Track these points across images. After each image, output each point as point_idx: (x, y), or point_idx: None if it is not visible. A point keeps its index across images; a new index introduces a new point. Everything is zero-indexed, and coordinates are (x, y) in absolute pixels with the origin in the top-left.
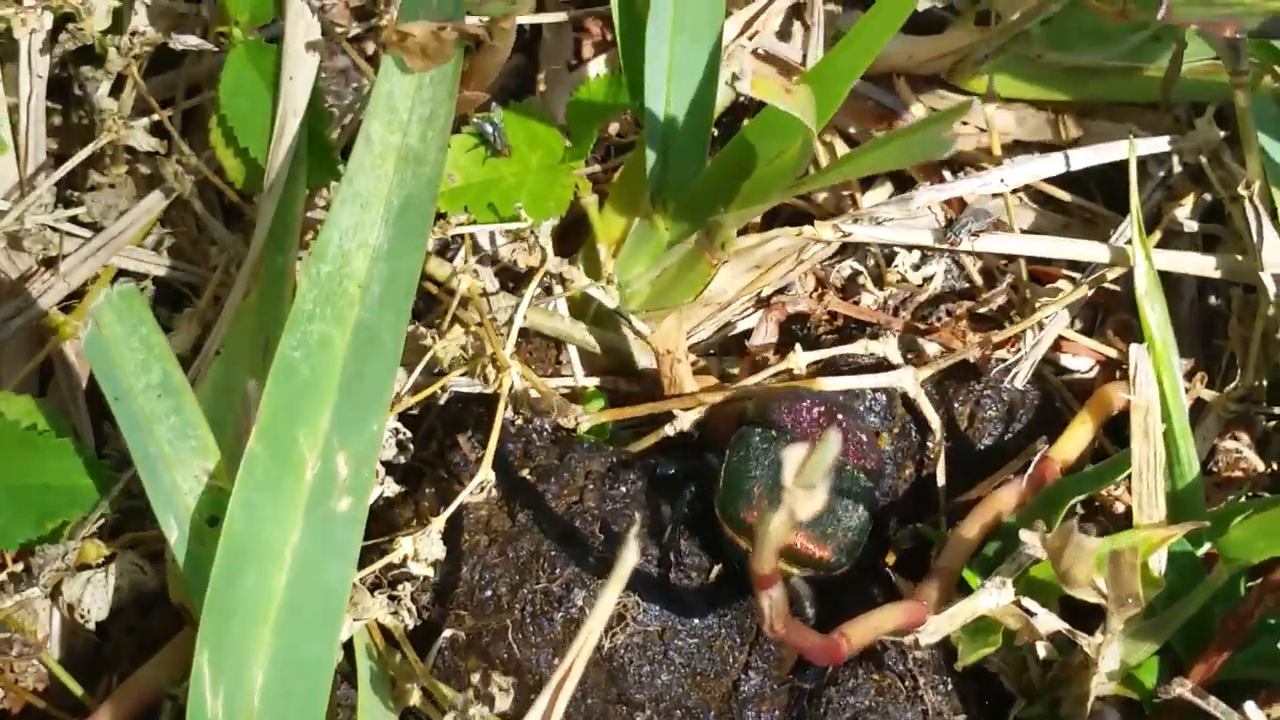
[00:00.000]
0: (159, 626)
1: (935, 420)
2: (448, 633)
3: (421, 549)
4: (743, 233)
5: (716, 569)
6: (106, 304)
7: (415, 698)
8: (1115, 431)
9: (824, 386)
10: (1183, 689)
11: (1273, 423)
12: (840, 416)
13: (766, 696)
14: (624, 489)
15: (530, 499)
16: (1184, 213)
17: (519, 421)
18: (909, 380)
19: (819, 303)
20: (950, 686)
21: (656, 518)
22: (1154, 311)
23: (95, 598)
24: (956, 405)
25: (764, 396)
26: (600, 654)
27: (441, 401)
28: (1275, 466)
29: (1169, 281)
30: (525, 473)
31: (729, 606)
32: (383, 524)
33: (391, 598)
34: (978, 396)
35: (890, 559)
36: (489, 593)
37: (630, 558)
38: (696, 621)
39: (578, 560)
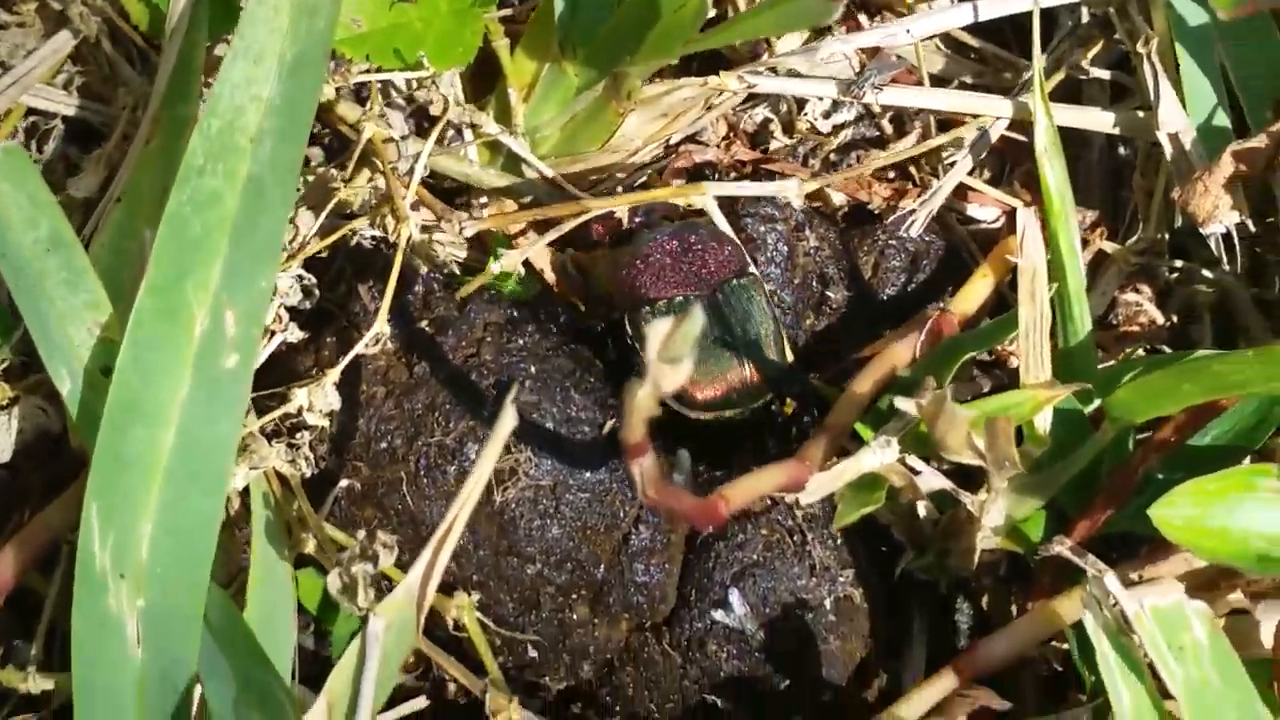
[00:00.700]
0: (66, 466)
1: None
2: (344, 483)
3: (316, 400)
4: (652, 80)
5: (610, 423)
6: None
7: (310, 545)
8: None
9: (708, 193)
10: (1062, 547)
11: (1174, 275)
12: (694, 239)
13: (655, 550)
14: (521, 341)
15: (428, 350)
16: (1092, 62)
17: (423, 270)
18: (793, 190)
19: (726, 151)
20: (839, 541)
21: (551, 371)
22: (1052, 170)
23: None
24: (861, 255)
25: (649, 209)
26: (492, 507)
27: (352, 243)
28: (1175, 320)
29: (1078, 132)
30: (424, 324)
31: (620, 461)
32: (287, 371)
33: (290, 446)
34: (882, 246)
35: (787, 410)
36: (385, 444)
37: (508, 420)
38: (588, 475)
39: (472, 414)
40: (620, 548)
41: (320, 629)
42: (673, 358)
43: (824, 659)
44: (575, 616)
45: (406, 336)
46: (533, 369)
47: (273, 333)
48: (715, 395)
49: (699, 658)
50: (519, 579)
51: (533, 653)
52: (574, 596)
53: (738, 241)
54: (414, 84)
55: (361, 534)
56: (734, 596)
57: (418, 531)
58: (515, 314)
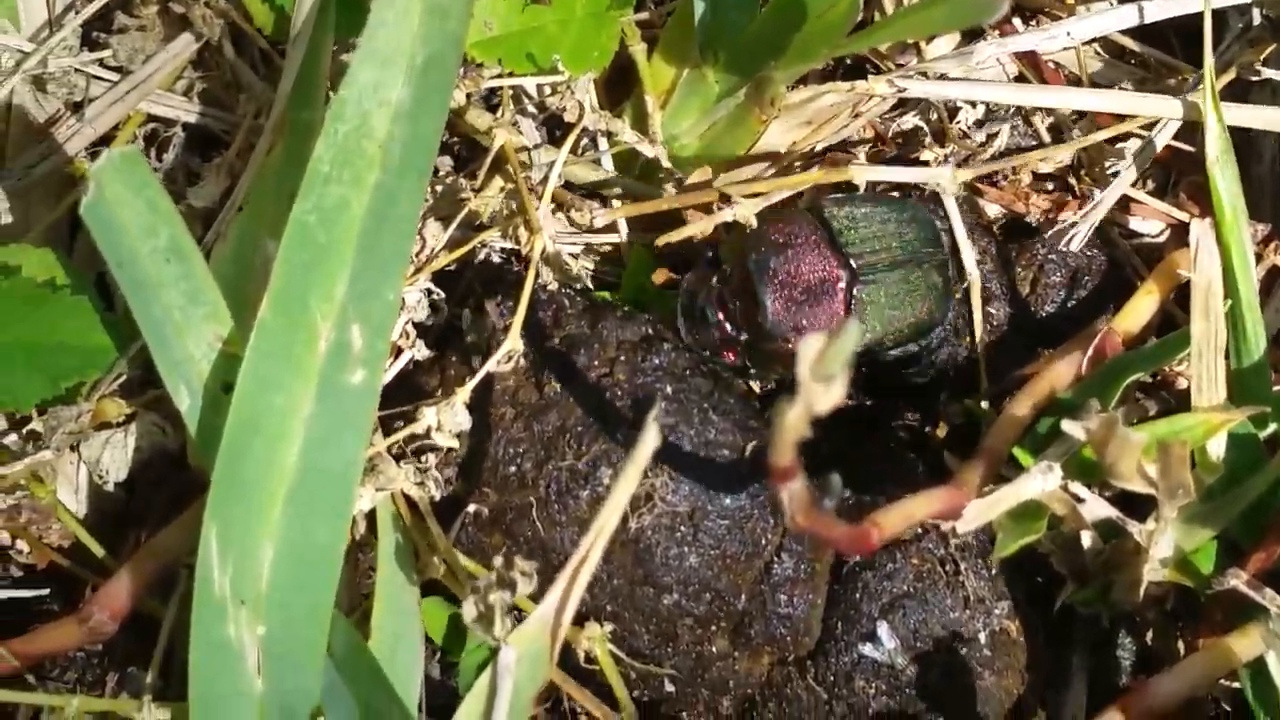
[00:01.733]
0: (186, 485)
1: (967, 247)
2: (471, 508)
3: (445, 420)
4: (796, 86)
5: (750, 446)
6: (108, 165)
7: (438, 571)
8: (1186, 300)
9: (856, 176)
10: (1237, 580)
11: None
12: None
13: (800, 580)
14: (657, 360)
15: (559, 370)
16: (1263, 65)
17: (551, 286)
18: (945, 177)
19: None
20: (994, 571)
21: (689, 391)
22: (1224, 177)
23: (114, 458)
24: (1019, 270)
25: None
26: (627, 535)
27: (481, 257)
28: None
29: (1248, 139)
30: (555, 341)
31: (762, 486)
32: (412, 389)
33: (418, 469)
34: (1041, 261)
35: (940, 433)
36: (514, 468)
37: (650, 439)
38: (728, 502)
39: (606, 436)
40: (762, 577)
41: (445, 659)
42: (826, 376)
43: (979, 695)
44: (714, 649)
45: (536, 356)
46: (669, 389)
47: (400, 350)
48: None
49: (845, 694)
50: (655, 609)
51: (670, 687)
52: (713, 628)
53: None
54: (547, 90)
55: (499, 560)
56: (883, 630)
57: (547, 559)
58: (650, 331)
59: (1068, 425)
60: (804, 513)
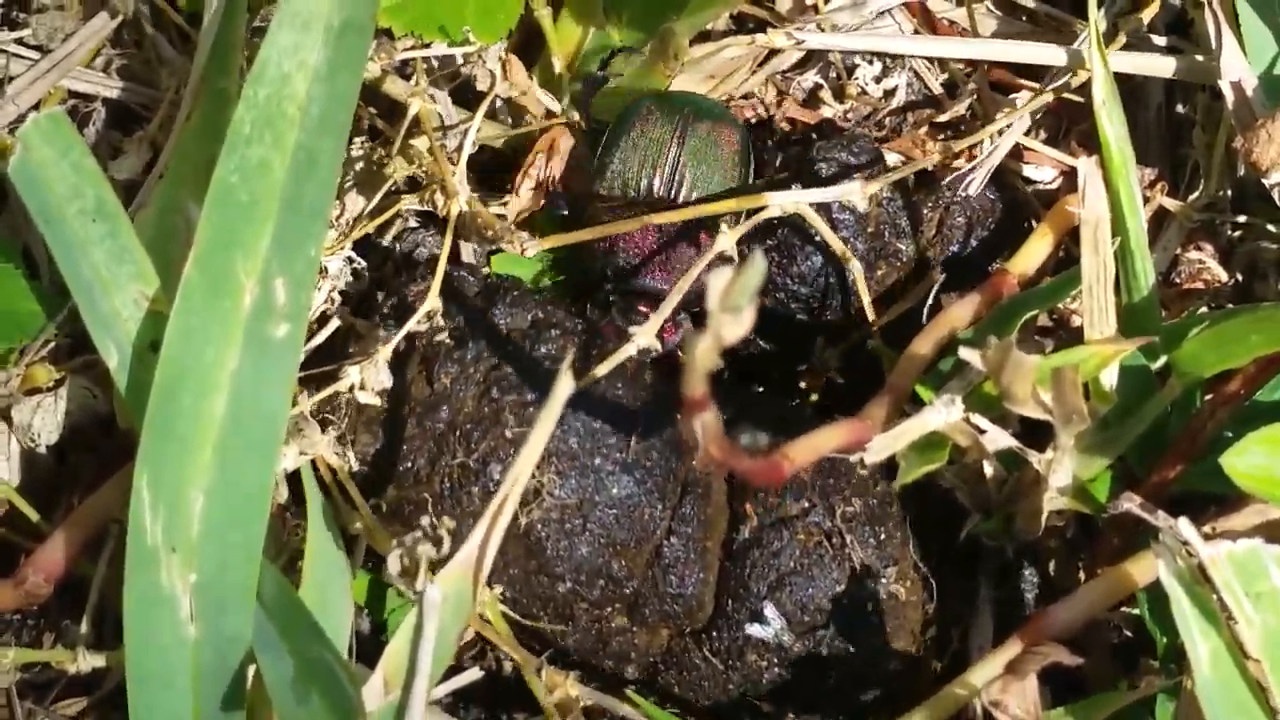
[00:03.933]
0: (115, 449)
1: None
2: (370, 503)
3: (368, 378)
4: (700, 42)
5: (636, 433)
6: (34, 128)
7: (360, 532)
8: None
9: (771, 202)
10: (1131, 503)
11: (1237, 232)
12: None
13: (690, 560)
14: (545, 349)
15: (448, 364)
16: (1148, 22)
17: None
18: (856, 193)
19: (778, 108)
20: (883, 538)
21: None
22: (1111, 122)
23: (45, 422)
24: (925, 212)
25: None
26: (518, 529)
27: (397, 227)
28: (1239, 277)
29: (1135, 88)
30: (444, 336)
31: (650, 473)
32: (335, 354)
33: (340, 439)
34: (946, 203)
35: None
36: (409, 464)
37: (564, 387)
38: (615, 491)
39: (495, 432)
40: (653, 560)
41: (373, 621)
42: (735, 306)
43: (870, 661)
44: (613, 625)
45: (427, 349)
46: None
47: (325, 316)
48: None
49: (739, 666)
50: (551, 595)
51: (575, 656)
52: (609, 609)
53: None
54: (457, 58)
55: (424, 518)
56: (769, 610)
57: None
58: (540, 314)
59: (965, 352)
60: (716, 444)
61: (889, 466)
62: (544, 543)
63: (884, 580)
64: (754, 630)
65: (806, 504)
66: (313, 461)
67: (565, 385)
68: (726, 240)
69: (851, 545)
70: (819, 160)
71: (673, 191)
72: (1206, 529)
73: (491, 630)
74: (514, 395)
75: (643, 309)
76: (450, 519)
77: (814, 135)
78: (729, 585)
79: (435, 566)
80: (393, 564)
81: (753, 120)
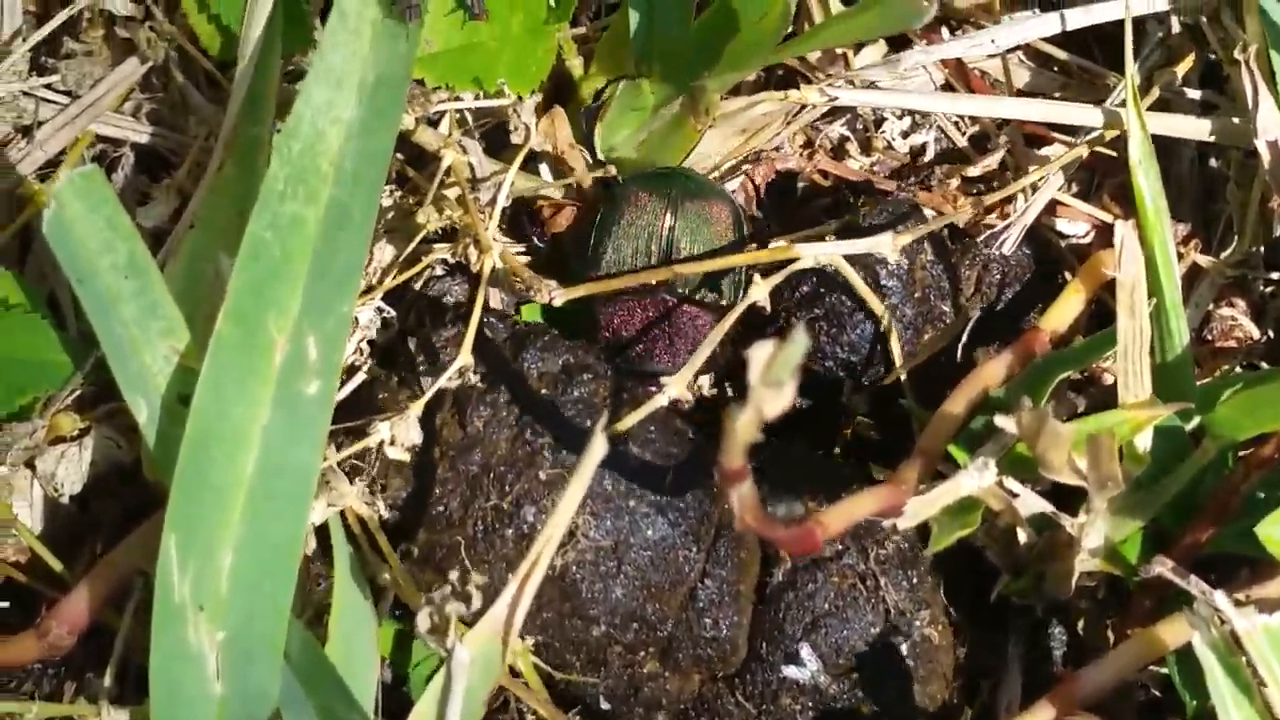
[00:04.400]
0: (139, 499)
1: (873, 301)
2: (401, 547)
3: (399, 434)
4: (730, 96)
5: (670, 476)
6: (68, 185)
7: (388, 584)
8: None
9: (802, 254)
10: (1163, 567)
11: (1270, 289)
12: None
13: (724, 603)
14: (577, 393)
15: (481, 407)
16: (1182, 76)
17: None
18: (887, 247)
19: (809, 161)
20: (915, 581)
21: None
22: (1147, 180)
23: (69, 472)
24: (964, 270)
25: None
26: (553, 571)
27: (427, 277)
28: (1271, 334)
29: (1168, 143)
30: (477, 379)
31: (684, 515)
32: (364, 406)
33: (369, 488)
34: (984, 261)
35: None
36: (441, 508)
37: (598, 448)
38: (649, 533)
39: (529, 475)
40: (687, 603)
41: (396, 672)
42: (776, 382)
43: (904, 705)
44: (645, 670)
45: (459, 393)
46: (588, 422)
47: (354, 367)
48: None
49: (773, 710)
50: (584, 640)
51: (605, 704)
52: (642, 654)
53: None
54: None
55: (454, 574)
56: (804, 651)
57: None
58: (571, 359)
59: (1000, 420)
60: (752, 514)
61: (922, 529)
62: (579, 584)
63: (917, 624)
64: (790, 672)
65: (840, 546)
66: (341, 512)
67: (599, 446)
68: (761, 291)
69: (885, 588)
70: (865, 222)
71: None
72: (1239, 595)
73: (522, 687)
74: (547, 438)
75: (651, 389)
76: (480, 573)
77: (848, 192)
78: (763, 628)
79: (465, 621)
80: (422, 621)
81: (782, 170)
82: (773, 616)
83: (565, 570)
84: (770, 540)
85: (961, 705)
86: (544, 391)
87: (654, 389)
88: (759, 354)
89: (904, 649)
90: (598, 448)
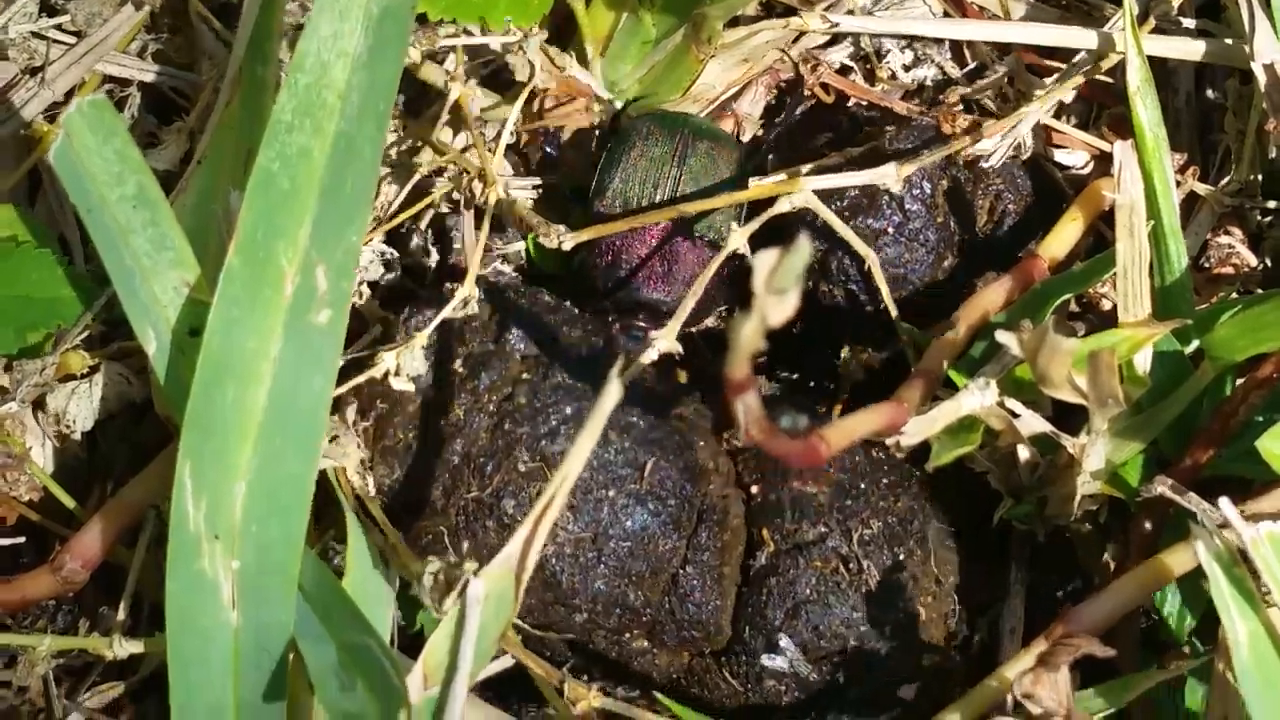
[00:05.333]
0: (150, 436)
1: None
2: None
3: (404, 363)
4: (731, 25)
5: (649, 462)
6: (77, 114)
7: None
8: (1110, 227)
9: (807, 187)
10: (1163, 486)
11: (1267, 218)
12: None
13: (707, 587)
14: (559, 378)
15: (462, 394)
16: (1178, 6)
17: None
18: (891, 176)
19: (812, 73)
20: (901, 558)
21: (588, 410)
22: (1145, 107)
23: (80, 408)
24: (978, 198)
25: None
26: None
27: (430, 216)
28: (1268, 262)
29: (1165, 74)
30: (459, 364)
31: (664, 504)
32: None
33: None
34: (997, 191)
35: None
36: (425, 495)
37: (614, 392)
38: (629, 524)
39: (509, 465)
40: (669, 588)
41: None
42: (780, 289)
43: (889, 683)
44: (633, 646)
45: (441, 379)
46: (568, 410)
47: (355, 309)
48: None
49: (758, 689)
50: (569, 624)
51: (599, 669)
52: (627, 635)
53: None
54: (496, 48)
55: (466, 544)
56: (783, 641)
57: None
58: (554, 341)
59: (1002, 336)
60: (758, 426)
61: (917, 456)
62: (559, 576)
63: (902, 603)
64: (769, 661)
65: (824, 529)
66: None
67: (614, 391)
68: (739, 238)
69: (869, 570)
70: (891, 146)
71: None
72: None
73: (517, 647)
74: (526, 428)
75: (640, 322)
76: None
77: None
78: (746, 612)
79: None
80: (426, 581)
81: (785, 80)
82: (755, 601)
83: (545, 562)
84: (774, 454)
85: (956, 671)
86: (525, 376)
87: (640, 332)
88: (763, 262)
89: (888, 630)
90: (613, 391)
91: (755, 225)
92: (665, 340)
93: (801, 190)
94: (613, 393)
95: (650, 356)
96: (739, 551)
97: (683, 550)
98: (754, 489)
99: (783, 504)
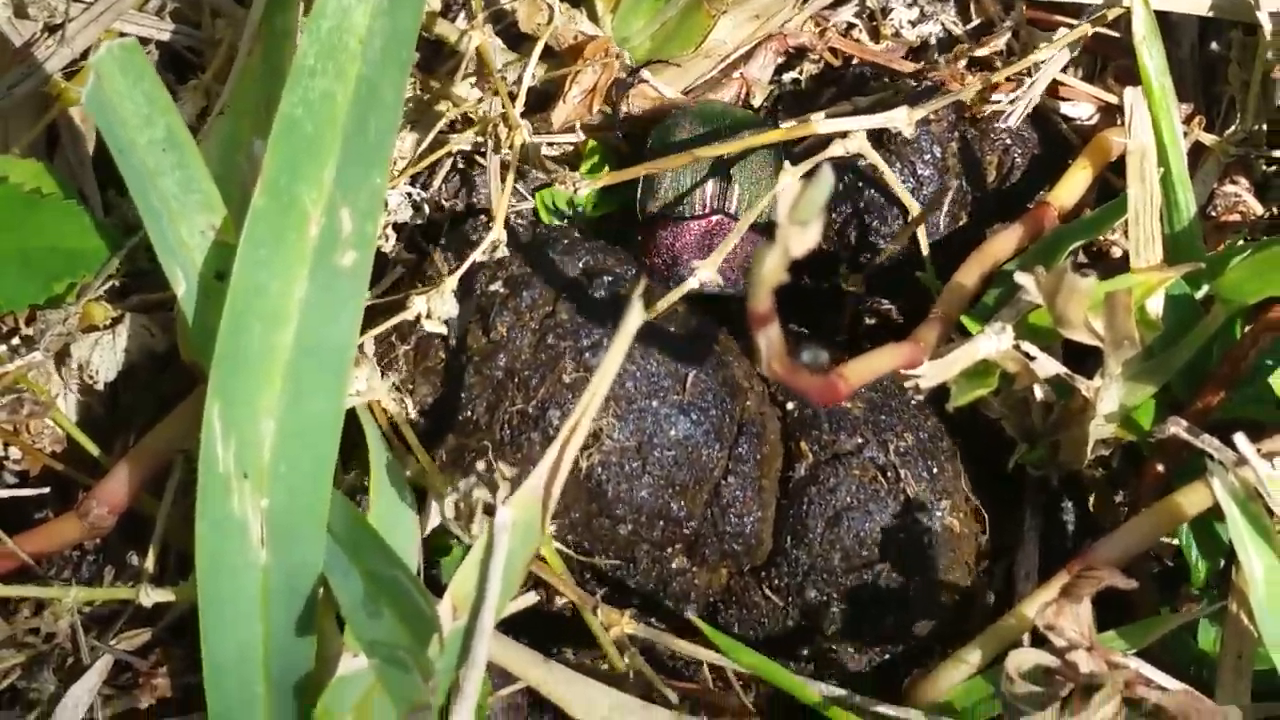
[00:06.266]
0: (172, 387)
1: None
2: (430, 454)
3: (435, 307)
4: None
5: (691, 374)
6: (108, 57)
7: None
8: (1119, 176)
9: (819, 129)
10: (1177, 427)
11: (1272, 167)
12: None
13: (747, 499)
14: (599, 295)
15: (504, 312)
16: None
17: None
18: (903, 122)
19: (820, 38)
20: (935, 472)
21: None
22: (1151, 56)
23: (104, 359)
24: (985, 154)
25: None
26: (579, 473)
27: (452, 162)
28: (1274, 210)
29: (1169, 27)
30: (499, 284)
31: (706, 414)
32: (396, 287)
33: (398, 390)
34: (1004, 146)
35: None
36: (469, 413)
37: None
38: (673, 433)
39: (553, 378)
40: (711, 500)
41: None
42: (802, 220)
43: (926, 593)
44: (674, 566)
45: (482, 299)
46: (610, 324)
47: (383, 255)
48: None
49: (799, 602)
50: (613, 538)
51: (636, 599)
52: (669, 550)
53: None
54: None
55: (481, 463)
56: (826, 543)
57: None
58: (592, 261)
59: (1020, 276)
60: (779, 359)
61: (937, 394)
62: (604, 485)
63: (938, 513)
64: (814, 564)
65: (860, 440)
66: (370, 406)
67: (636, 315)
68: (792, 175)
69: (906, 479)
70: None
71: (722, 203)
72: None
73: (548, 569)
74: (570, 341)
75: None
76: (509, 465)
77: (866, 74)
78: (787, 522)
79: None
80: (448, 508)
81: (794, 45)
82: (796, 510)
83: (591, 471)
84: (795, 388)
85: (984, 592)
86: (565, 294)
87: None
88: (786, 193)
89: (925, 539)
90: (635, 315)
91: (807, 166)
92: (707, 270)
93: (814, 131)
94: (635, 313)
95: (692, 284)
96: (777, 466)
97: (724, 461)
98: (789, 405)
99: (820, 417)
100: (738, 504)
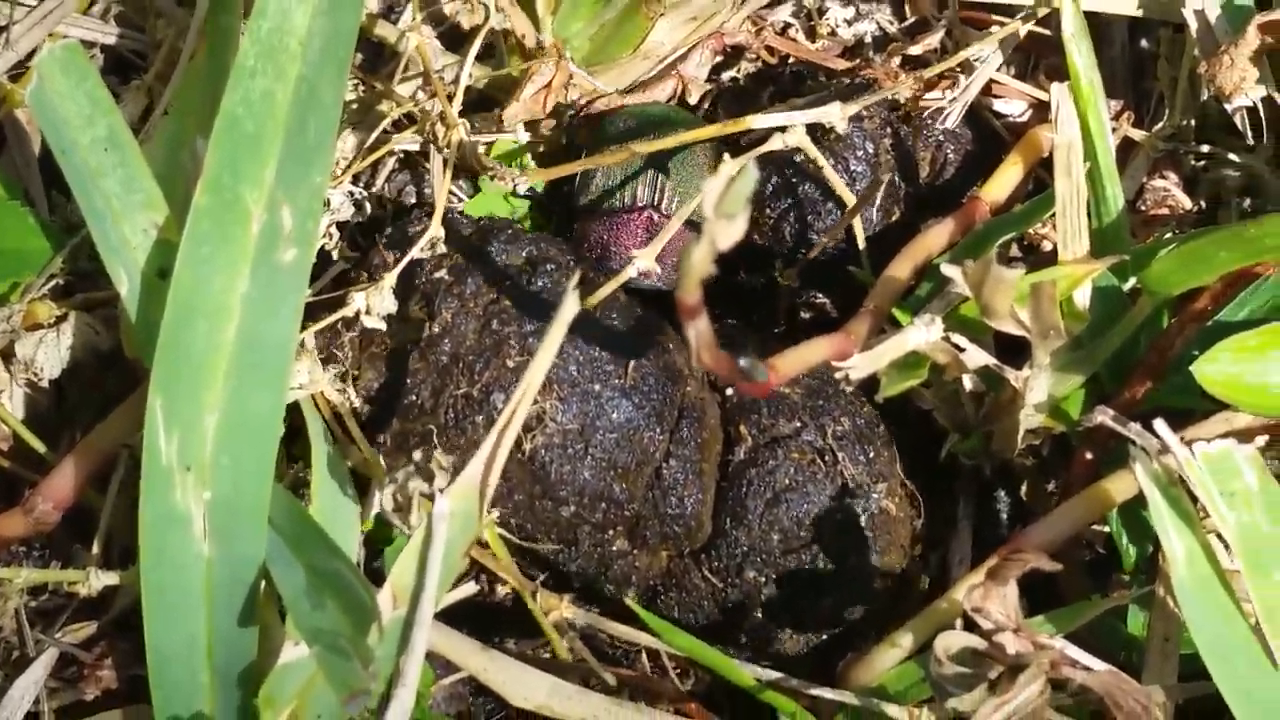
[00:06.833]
0: (116, 384)
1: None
2: (377, 440)
3: (374, 303)
4: None
5: (633, 362)
6: (50, 58)
7: (359, 465)
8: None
9: (754, 125)
10: (1104, 416)
11: (1201, 162)
12: None
13: (688, 481)
14: (542, 282)
15: (449, 299)
16: None
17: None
18: (835, 116)
19: (757, 37)
20: (871, 455)
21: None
22: (1080, 54)
23: (48, 356)
24: (920, 151)
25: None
26: (522, 455)
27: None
28: (1203, 204)
29: (1100, 26)
30: (443, 273)
31: (648, 398)
32: (337, 284)
33: (342, 379)
34: (938, 141)
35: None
36: (414, 397)
37: (570, 306)
38: (615, 416)
39: (497, 362)
40: (653, 482)
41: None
42: (728, 213)
43: (862, 574)
44: (615, 549)
45: (427, 285)
46: (553, 311)
47: (325, 252)
48: None
49: (738, 583)
50: (555, 520)
51: (577, 583)
52: (610, 532)
53: None
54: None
55: (418, 454)
56: (766, 525)
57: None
58: (535, 251)
59: (946, 268)
60: (708, 351)
61: (869, 384)
62: (547, 467)
63: (875, 496)
64: (753, 544)
65: (799, 424)
66: (313, 397)
67: (571, 306)
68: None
69: (843, 463)
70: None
71: (655, 199)
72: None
73: (489, 556)
74: (514, 326)
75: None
76: (448, 454)
77: (802, 72)
78: (726, 504)
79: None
80: (386, 500)
81: (730, 44)
82: (735, 493)
83: (534, 454)
84: (725, 378)
85: (918, 576)
86: (509, 282)
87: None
88: (712, 186)
89: (862, 521)
90: (570, 306)
91: (745, 160)
92: (646, 259)
93: (750, 129)
94: (571, 302)
95: (630, 272)
96: (717, 450)
97: (665, 444)
98: (729, 390)
99: (758, 402)
100: (678, 486)
